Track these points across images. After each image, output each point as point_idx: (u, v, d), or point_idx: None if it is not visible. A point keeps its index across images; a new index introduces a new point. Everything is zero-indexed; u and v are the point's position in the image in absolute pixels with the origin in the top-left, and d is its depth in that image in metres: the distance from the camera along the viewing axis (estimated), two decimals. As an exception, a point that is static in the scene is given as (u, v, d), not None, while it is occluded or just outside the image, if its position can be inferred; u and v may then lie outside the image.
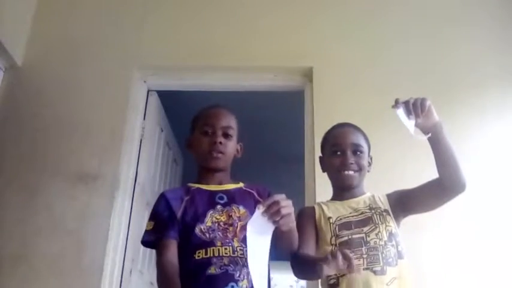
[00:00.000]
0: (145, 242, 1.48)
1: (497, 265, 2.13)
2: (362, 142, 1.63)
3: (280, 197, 1.22)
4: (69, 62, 2.63)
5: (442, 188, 1.46)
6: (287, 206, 1.22)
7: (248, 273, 1.35)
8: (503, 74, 2.49)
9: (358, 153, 1.60)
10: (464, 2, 2.70)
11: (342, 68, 2.56)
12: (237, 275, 1.35)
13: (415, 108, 1.38)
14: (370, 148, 1.67)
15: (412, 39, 2.60)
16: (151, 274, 2.69)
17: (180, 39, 2.68)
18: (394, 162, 2.25)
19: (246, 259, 1.36)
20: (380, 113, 2.23)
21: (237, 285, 1.34)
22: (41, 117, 2.50)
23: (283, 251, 1.43)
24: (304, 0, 2.76)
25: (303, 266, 1.45)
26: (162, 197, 1.51)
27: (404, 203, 1.56)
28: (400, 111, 1.39)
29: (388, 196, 1.60)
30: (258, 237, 1.21)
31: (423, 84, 2.48)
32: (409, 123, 1.38)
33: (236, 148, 1.61)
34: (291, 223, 1.27)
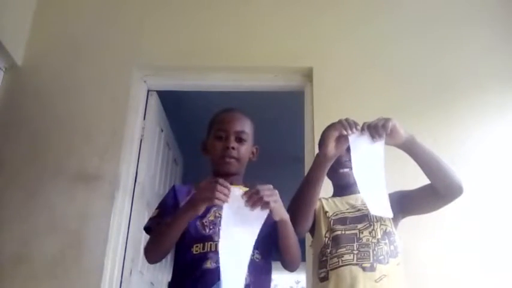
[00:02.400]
0: (147, 228, 1.51)
1: (497, 265, 2.13)
2: None
3: (262, 187, 1.28)
4: (69, 62, 2.63)
5: (437, 195, 1.47)
6: (271, 195, 1.28)
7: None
8: (504, 73, 2.49)
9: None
10: (464, 2, 2.70)
11: (342, 68, 2.56)
12: None
13: (376, 130, 1.40)
14: None
15: (412, 38, 2.60)
16: (151, 274, 2.69)
17: (180, 39, 2.68)
18: (394, 161, 2.24)
19: None
20: (380, 113, 2.22)
21: None
22: (41, 117, 2.50)
23: (289, 263, 1.45)
24: (304, 1, 2.76)
25: (299, 194, 1.49)
26: (172, 188, 1.57)
27: (404, 204, 1.57)
28: (363, 138, 1.42)
29: (388, 196, 1.60)
30: (239, 224, 1.26)
31: (423, 84, 2.48)
32: (374, 146, 1.41)
33: (251, 151, 1.61)
34: (283, 214, 1.33)
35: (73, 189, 2.33)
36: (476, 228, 2.19)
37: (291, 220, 1.39)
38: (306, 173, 2.36)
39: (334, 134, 1.42)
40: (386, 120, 1.41)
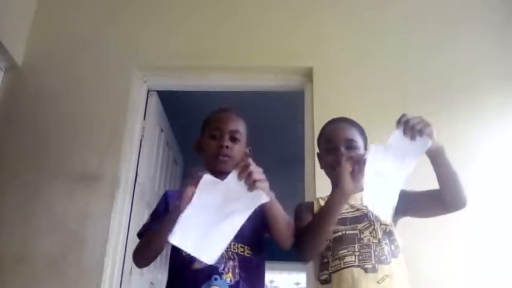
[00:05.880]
0: (139, 234, 1.54)
1: (497, 267, 2.13)
2: (356, 137, 1.61)
3: (253, 165, 1.24)
4: (69, 62, 2.63)
5: (442, 203, 1.45)
6: (258, 172, 1.24)
7: (234, 267, 1.37)
8: (504, 72, 2.49)
9: (352, 148, 1.58)
10: (465, 1, 2.70)
11: (342, 68, 2.56)
12: (221, 267, 1.37)
13: (413, 130, 1.33)
14: (367, 142, 1.66)
15: (412, 38, 2.60)
16: (151, 274, 2.69)
17: (180, 39, 2.68)
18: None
19: (231, 252, 1.40)
20: (380, 113, 2.24)
21: (221, 278, 1.36)
22: (41, 117, 2.50)
23: (280, 241, 1.43)
24: (304, 0, 2.76)
25: (311, 230, 1.44)
26: (164, 194, 1.59)
27: (408, 205, 1.53)
28: (399, 131, 1.34)
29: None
30: (231, 201, 1.22)
31: (423, 83, 2.48)
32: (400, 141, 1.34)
33: (244, 152, 1.61)
34: (269, 194, 1.28)
35: (73, 189, 2.34)
36: (477, 230, 2.18)
37: (298, 249, 1.42)
38: (305, 174, 2.38)
39: (348, 168, 1.38)
40: (426, 125, 1.33)
